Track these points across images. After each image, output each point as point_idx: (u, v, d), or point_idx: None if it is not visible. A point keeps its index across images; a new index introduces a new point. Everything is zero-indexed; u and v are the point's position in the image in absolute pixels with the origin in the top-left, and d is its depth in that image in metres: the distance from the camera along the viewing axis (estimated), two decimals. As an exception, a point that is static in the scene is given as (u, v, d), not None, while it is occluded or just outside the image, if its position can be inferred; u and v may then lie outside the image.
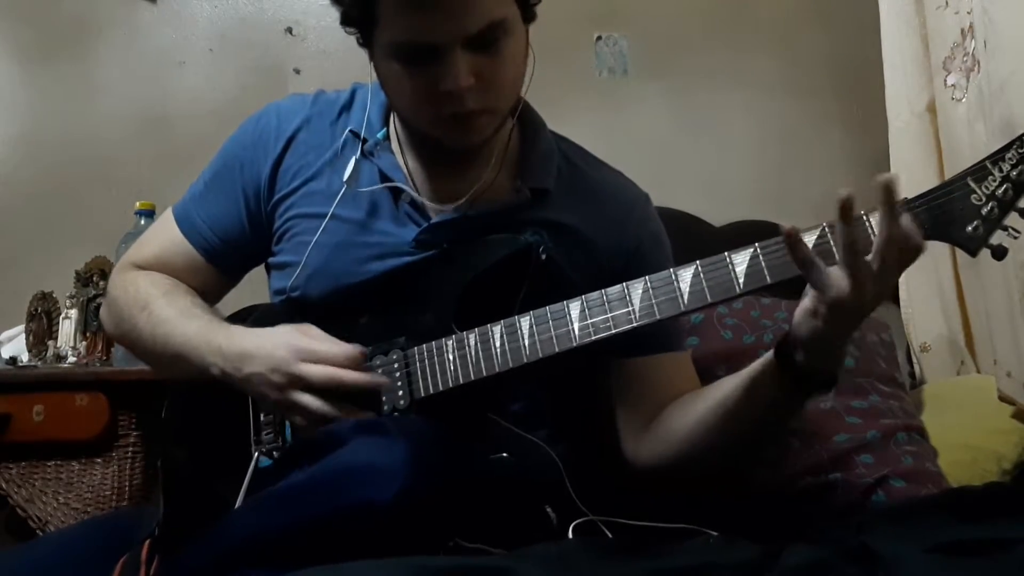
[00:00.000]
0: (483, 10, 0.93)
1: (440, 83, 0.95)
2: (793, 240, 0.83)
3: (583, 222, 1.11)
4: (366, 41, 1.01)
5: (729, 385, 1.01)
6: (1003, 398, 1.54)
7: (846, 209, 0.80)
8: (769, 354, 0.95)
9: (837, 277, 0.83)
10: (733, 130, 2.31)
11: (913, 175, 1.84)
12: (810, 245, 0.86)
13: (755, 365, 0.98)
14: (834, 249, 0.86)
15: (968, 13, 1.67)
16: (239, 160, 1.15)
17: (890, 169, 1.93)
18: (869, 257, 0.83)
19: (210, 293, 1.19)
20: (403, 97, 1.01)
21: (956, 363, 1.81)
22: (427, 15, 0.91)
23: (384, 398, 1.01)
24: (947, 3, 1.76)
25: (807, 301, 0.87)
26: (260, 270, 1.22)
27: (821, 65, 2.35)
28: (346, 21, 1.00)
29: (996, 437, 1.47)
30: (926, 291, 1.86)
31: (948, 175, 0.90)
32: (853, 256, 0.82)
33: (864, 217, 0.87)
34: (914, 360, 1.89)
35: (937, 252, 1.81)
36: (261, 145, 1.14)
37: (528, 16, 1.00)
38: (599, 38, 2.30)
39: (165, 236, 1.18)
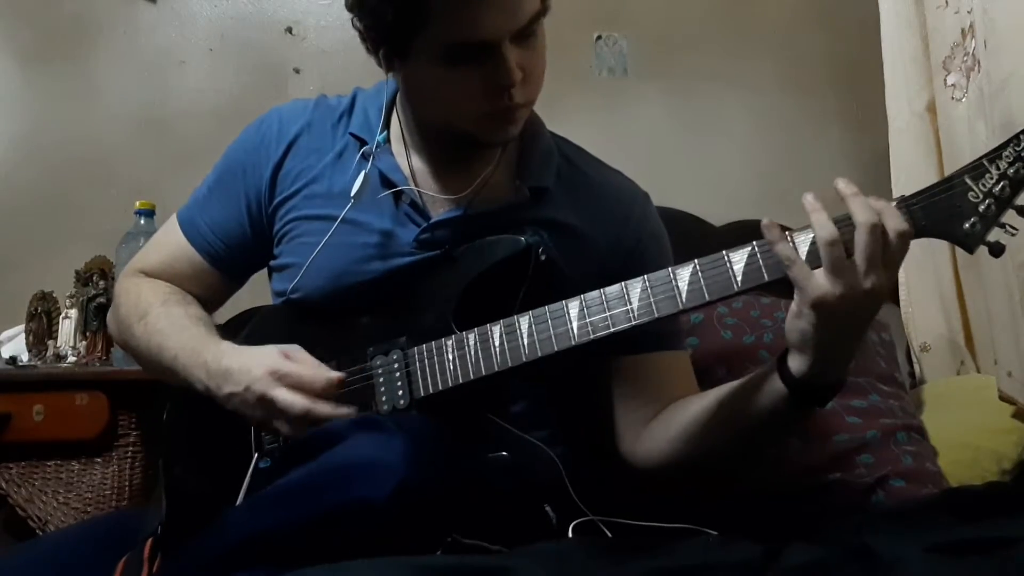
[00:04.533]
0: (529, 4, 0.95)
1: (491, 79, 0.96)
2: (771, 231, 0.85)
3: (583, 221, 1.11)
4: (399, 51, 0.99)
5: (730, 389, 1.00)
6: (1004, 398, 1.54)
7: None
8: (773, 360, 0.94)
9: (818, 275, 0.83)
10: (733, 130, 2.31)
11: (913, 175, 1.84)
12: (806, 245, 0.86)
13: (758, 371, 0.97)
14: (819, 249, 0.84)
15: (968, 12, 1.67)
16: (241, 164, 1.15)
17: (890, 169, 1.93)
18: (856, 256, 0.82)
19: (216, 296, 1.20)
20: (445, 98, 1.01)
21: (956, 363, 1.81)
22: (482, 12, 0.92)
23: (384, 398, 1.01)
24: (947, 2, 1.75)
25: (792, 303, 0.86)
26: (261, 272, 1.22)
27: (821, 65, 2.34)
28: (384, 33, 0.98)
29: (996, 437, 1.48)
30: (926, 291, 1.85)
31: (948, 175, 0.90)
32: (831, 253, 0.82)
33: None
34: (914, 360, 1.89)
35: (937, 252, 1.81)
36: (263, 149, 1.14)
37: (546, 9, 1.01)
38: (599, 38, 2.30)
39: (170, 241, 1.19)
